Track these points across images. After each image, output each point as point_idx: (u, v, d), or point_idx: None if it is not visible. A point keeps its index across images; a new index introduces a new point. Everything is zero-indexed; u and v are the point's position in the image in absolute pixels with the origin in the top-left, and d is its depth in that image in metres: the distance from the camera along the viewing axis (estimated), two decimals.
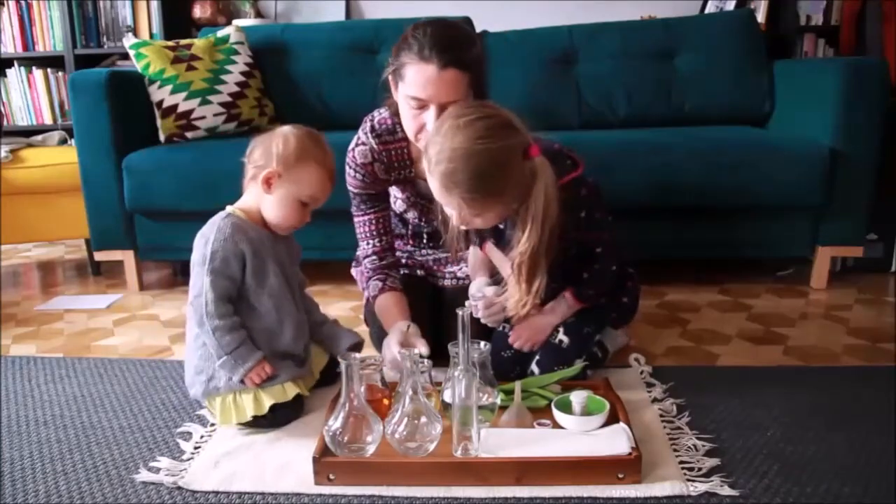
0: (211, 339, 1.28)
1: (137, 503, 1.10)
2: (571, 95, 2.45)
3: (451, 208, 1.26)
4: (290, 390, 1.32)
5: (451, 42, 1.33)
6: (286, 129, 1.37)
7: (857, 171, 2.03)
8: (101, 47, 3.10)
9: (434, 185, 1.23)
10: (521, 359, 1.47)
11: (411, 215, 1.64)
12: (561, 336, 1.45)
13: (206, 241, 1.29)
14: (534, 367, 1.43)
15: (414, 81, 1.33)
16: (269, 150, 1.34)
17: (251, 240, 1.32)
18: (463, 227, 1.33)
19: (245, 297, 1.33)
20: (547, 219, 1.23)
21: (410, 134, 1.43)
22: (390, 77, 1.43)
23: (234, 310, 1.30)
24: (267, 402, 1.29)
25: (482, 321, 1.42)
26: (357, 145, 1.53)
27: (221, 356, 1.27)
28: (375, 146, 1.52)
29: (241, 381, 1.28)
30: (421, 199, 1.60)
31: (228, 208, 1.38)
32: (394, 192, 1.62)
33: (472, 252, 1.59)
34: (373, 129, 1.52)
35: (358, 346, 1.50)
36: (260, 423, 1.30)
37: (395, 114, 1.48)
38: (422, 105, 1.35)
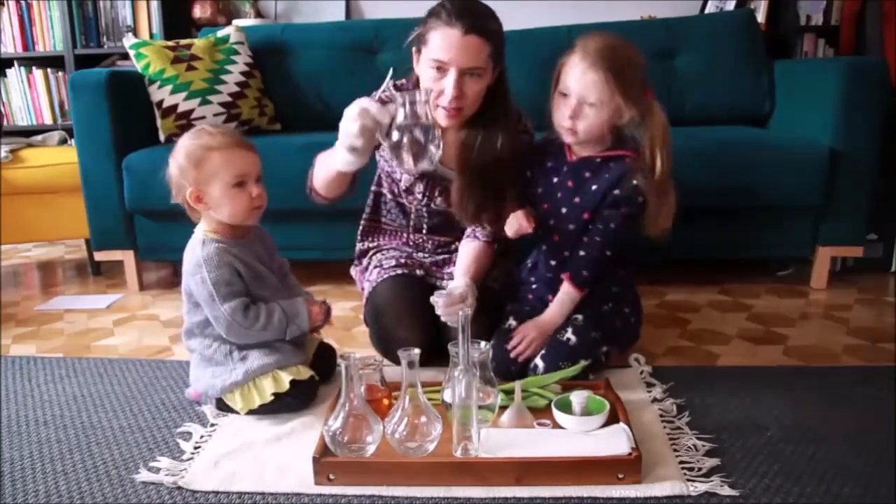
0: (266, 334, 1.35)
1: (137, 503, 1.10)
2: None
3: (583, 87, 1.39)
4: (305, 372, 1.38)
5: (476, 12, 1.42)
6: (174, 150, 1.38)
7: (857, 171, 2.03)
8: (101, 47, 3.10)
9: (589, 56, 1.38)
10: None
11: (417, 189, 1.61)
12: (569, 335, 1.46)
13: (202, 279, 1.33)
14: (538, 361, 1.43)
15: (438, 45, 1.40)
16: (175, 179, 1.37)
17: (236, 255, 1.36)
18: (568, 124, 1.42)
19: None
20: (666, 146, 1.42)
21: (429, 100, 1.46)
22: (414, 48, 1.48)
23: (249, 301, 1.36)
24: (286, 379, 1.34)
25: (442, 318, 1.44)
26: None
27: (285, 332, 1.36)
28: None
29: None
30: (425, 172, 1.59)
31: (200, 234, 1.39)
32: (399, 168, 1.61)
33: (462, 248, 1.60)
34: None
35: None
36: (283, 404, 1.34)
37: (415, 84, 1.53)
38: (442, 68, 1.40)
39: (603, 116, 1.41)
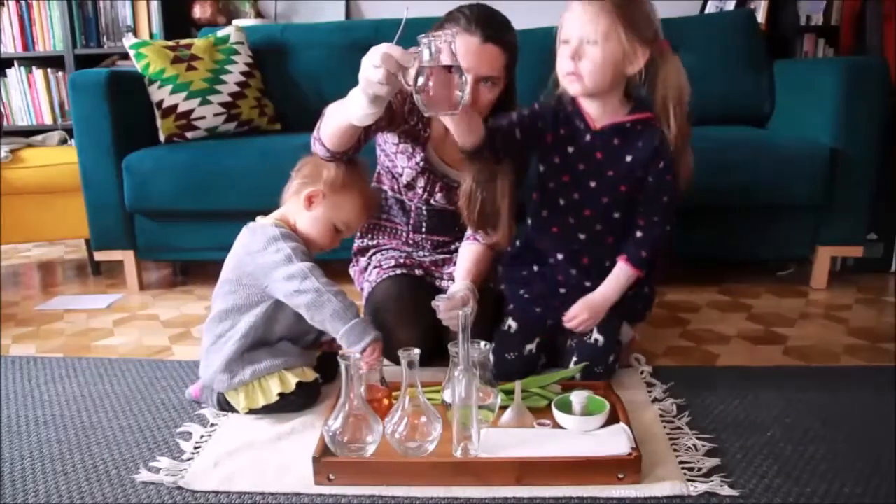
0: (334, 304, 1.29)
1: (137, 503, 1.10)
2: None
3: (582, 24, 1.28)
4: (310, 374, 1.39)
5: (496, 21, 1.44)
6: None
7: (857, 171, 2.04)
8: (101, 47, 3.10)
9: None
10: (526, 361, 1.46)
11: (419, 184, 1.61)
12: (596, 335, 1.44)
13: (278, 249, 1.33)
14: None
15: (456, 49, 1.35)
16: (319, 170, 1.41)
17: (302, 250, 1.38)
18: (570, 68, 1.31)
19: None
20: (681, 103, 1.37)
21: None
22: None
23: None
24: (293, 380, 1.34)
25: (444, 323, 1.44)
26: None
27: (350, 320, 1.29)
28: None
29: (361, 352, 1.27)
30: (428, 166, 1.59)
31: (270, 221, 1.41)
32: (400, 162, 1.60)
33: (462, 251, 1.59)
34: None
35: None
36: (285, 404, 1.34)
37: None
38: None
39: (607, 55, 1.29)
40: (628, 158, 1.38)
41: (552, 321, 1.46)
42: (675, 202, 1.42)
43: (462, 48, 1.38)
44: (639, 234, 1.41)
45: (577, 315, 1.42)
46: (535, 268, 1.52)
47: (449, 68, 1.10)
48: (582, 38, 1.29)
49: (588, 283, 1.45)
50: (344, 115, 1.28)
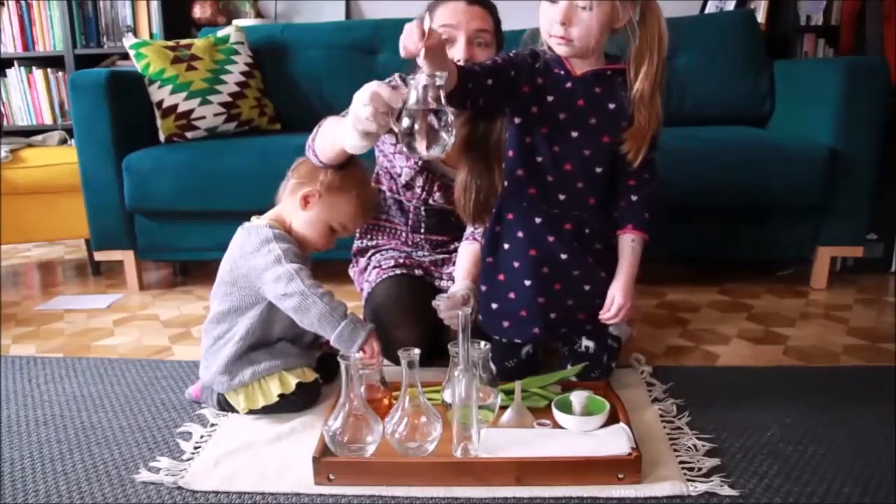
0: (320, 307, 1.28)
1: (137, 503, 1.10)
2: None
3: None
4: (310, 374, 1.39)
5: None
6: None
7: (857, 171, 2.04)
8: (101, 47, 3.10)
9: None
10: (526, 370, 1.45)
11: (417, 184, 1.61)
12: (586, 342, 1.43)
13: (269, 250, 1.32)
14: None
15: (444, 14, 1.46)
16: (315, 170, 1.40)
17: (294, 251, 1.37)
18: (559, 32, 1.22)
19: None
20: (661, 53, 1.25)
21: None
22: None
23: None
24: (293, 381, 1.34)
25: (445, 322, 1.44)
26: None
27: (337, 323, 1.28)
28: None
29: (360, 350, 1.28)
30: (426, 165, 1.59)
31: (264, 221, 1.40)
32: (399, 162, 1.61)
33: (462, 251, 1.59)
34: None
35: None
36: (285, 405, 1.34)
37: None
38: (450, 39, 1.45)
39: (601, 18, 1.21)
40: (611, 106, 1.29)
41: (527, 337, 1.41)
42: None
43: (449, 13, 1.45)
44: (634, 197, 1.35)
45: (618, 305, 1.33)
46: (504, 248, 1.38)
47: (436, 112, 1.09)
48: (574, 2, 1.21)
49: (564, 256, 1.34)
50: (338, 138, 1.29)
